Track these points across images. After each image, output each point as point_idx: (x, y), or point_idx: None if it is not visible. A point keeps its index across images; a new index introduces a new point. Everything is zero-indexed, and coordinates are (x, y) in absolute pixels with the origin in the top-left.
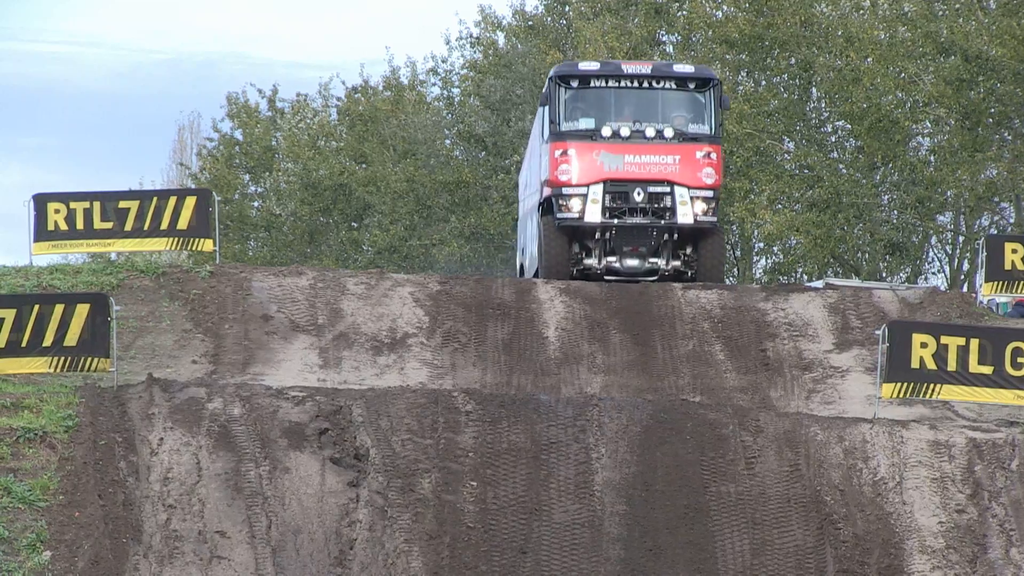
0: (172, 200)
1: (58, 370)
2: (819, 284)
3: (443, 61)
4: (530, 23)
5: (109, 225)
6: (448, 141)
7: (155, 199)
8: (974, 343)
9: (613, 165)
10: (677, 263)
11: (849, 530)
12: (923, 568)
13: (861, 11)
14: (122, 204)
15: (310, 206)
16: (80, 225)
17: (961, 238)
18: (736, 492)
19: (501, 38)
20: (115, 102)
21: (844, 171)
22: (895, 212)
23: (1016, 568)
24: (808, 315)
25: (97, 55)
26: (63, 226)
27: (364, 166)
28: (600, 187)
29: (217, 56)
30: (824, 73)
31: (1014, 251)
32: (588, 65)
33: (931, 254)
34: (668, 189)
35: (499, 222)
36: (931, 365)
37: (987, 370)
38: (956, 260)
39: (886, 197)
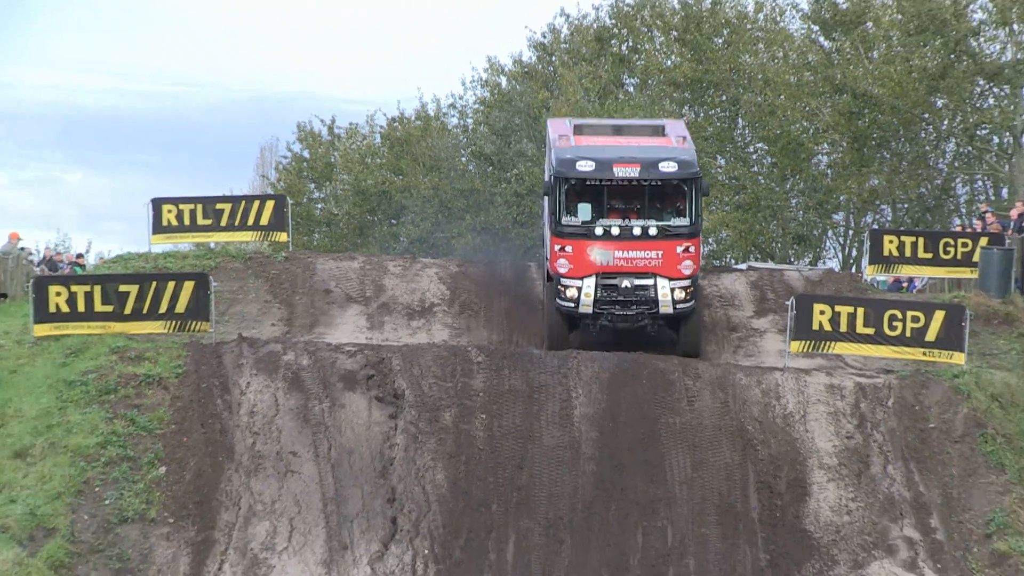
0: (256, 203)
1: (170, 331)
2: (743, 267)
3: (460, 98)
4: (525, 69)
5: (209, 222)
6: (464, 159)
7: (243, 202)
8: (860, 311)
9: (605, 260)
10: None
11: (765, 451)
12: (821, 480)
13: (776, 60)
14: (218, 206)
15: (360, 207)
16: (187, 222)
17: (851, 231)
18: (680, 423)
19: (504, 80)
20: (213, 129)
21: (762, 181)
22: (801, 212)
23: (891, 480)
24: (735, 290)
25: (200, 93)
26: (174, 222)
27: (401, 177)
28: (593, 280)
29: (291, 94)
30: (748, 107)
31: (891, 241)
32: (584, 167)
33: (828, 244)
34: (652, 281)
35: (503, 220)
36: (828, 327)
37: (870, 331)
38: (847, 248)
39: (794, 201)
